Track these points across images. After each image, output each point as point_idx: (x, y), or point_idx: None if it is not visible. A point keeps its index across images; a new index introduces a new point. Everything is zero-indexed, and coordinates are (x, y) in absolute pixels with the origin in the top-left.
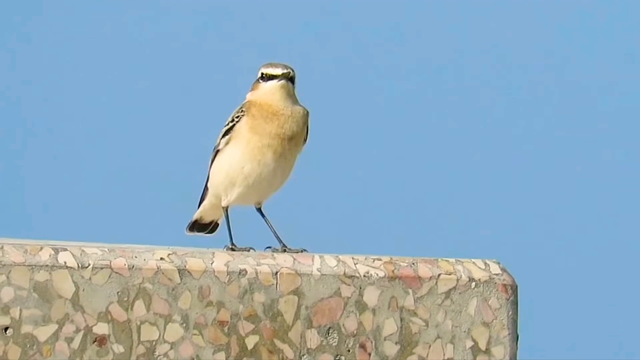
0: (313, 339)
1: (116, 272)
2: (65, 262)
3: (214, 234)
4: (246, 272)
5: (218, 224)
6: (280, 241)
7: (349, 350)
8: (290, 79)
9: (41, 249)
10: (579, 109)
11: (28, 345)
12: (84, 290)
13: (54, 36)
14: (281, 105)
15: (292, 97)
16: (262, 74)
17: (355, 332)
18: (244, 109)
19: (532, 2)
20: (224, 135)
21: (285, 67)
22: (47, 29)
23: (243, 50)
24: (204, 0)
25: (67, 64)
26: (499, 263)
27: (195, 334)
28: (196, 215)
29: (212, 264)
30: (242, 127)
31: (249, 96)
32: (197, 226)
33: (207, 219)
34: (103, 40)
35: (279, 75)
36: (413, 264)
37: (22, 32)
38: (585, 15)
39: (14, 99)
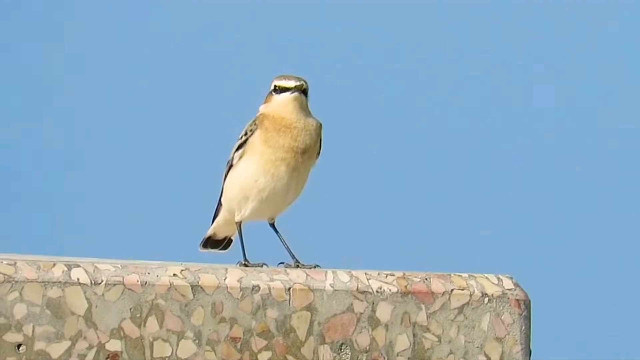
0: (326, 354)
1: (129, 289)
2: (78, 279)
3: (227, 250)
4: (259, 288)
5: (232, 240)
6: (293, 257)
7: None
8: (303, 91)
9: (54, 265)
10: (597, 123)
11: None
12: (96, 306)
13: (68, 44)
14: (294, 118)
15: (305, 109)
16: (275, 86)
17: (367, 347)
18: (256, 122)
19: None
20: (237, 149)
21: (298, 79)
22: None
23: (259, 65)
24: (217, 10)
25: (80, 79)
26: (511, 278)
27: (208, 350)
28: (210, 232)
29: (225, 280)
30: (256, 140)
31: (262, 109)
32: (211, 243)
33: (221, 235)
34: (118, 50)
35: (291, 88)
36: (426, 279)
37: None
38: (588, 19)
39: (26, 112)
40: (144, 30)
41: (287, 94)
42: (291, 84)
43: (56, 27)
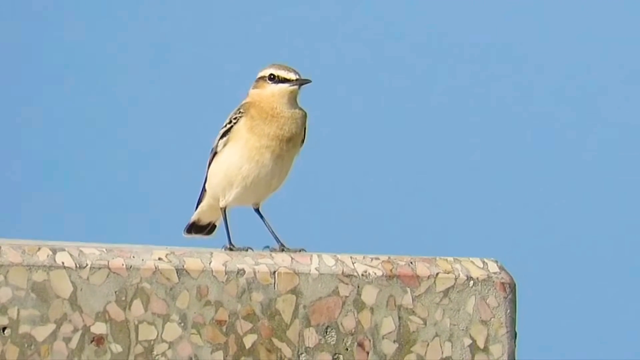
0: (311, 337)
1: (114, 272)
2: (63, 262)
3: (212, 235)
4: (244, 271)
5: (216, 226)
6: (278, 241)
7: (347, 349)
8: (293, 81)
9: (39, 249)
10: (575, 107)
11: (26, 345)
12: (81, 290)
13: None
14: (284, 108)
15: (295, 100)
16: (272, 74)
17: (353, 330)
18: (242, 110)
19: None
20: (222, 137)
21: (297, 72)
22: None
23: (238, 52)
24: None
25: (57, 63)
26: (497, 261)
27: (193, 334)
28: (194, 217)
29: (210, 263)
30: (241, 127)
31: (252, 94)
32: (195, 228)
33: (205, 220)
34: (97, 44)
35: (292, 80)
36: (411, 262)
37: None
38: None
39: (9, 99)
40: (119, 15)
41: (286, 85)
42: (292, 76)
43: (51, 24)
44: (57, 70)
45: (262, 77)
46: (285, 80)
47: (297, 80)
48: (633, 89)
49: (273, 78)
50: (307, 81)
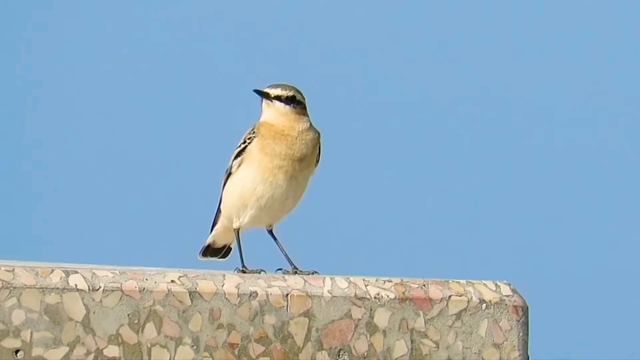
0: None
1: (127, 295)
2: (76, 285)
3: (226, 258)
4: (257, 294)
5: (231, 249)
6: (291, 263)
7: None
8: (286, 100)
9: (52, 271)
10: (593, 130)
11: None
12: (94, 312)
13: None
14: (286, 125)
15: (295, 117)
16: (267, 94)
17: (365, 353)
18: (255, 130)
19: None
20: (235, 157)
21: (285, 87)
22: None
23: (264, 73)
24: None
25: (74, 81)
26: (509, 284)
27: (205, 357)
28: (209, 240)
29: (222, 286)
30: (254, 148)
31: (262, 116)
32: (210, 251)
33: (220, 243)
34: (116, 54)
35: (270, 96)
36: (424, 285)
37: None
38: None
39: (25, 120)
40: (145, 35)
41: (263, 101)
42: (274, 92)
43: (49, 25)
44: (69, 91)
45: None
46: (277, 98)
47: (273, 96)
48: None
49: (265, 96)
50: (265, 94)
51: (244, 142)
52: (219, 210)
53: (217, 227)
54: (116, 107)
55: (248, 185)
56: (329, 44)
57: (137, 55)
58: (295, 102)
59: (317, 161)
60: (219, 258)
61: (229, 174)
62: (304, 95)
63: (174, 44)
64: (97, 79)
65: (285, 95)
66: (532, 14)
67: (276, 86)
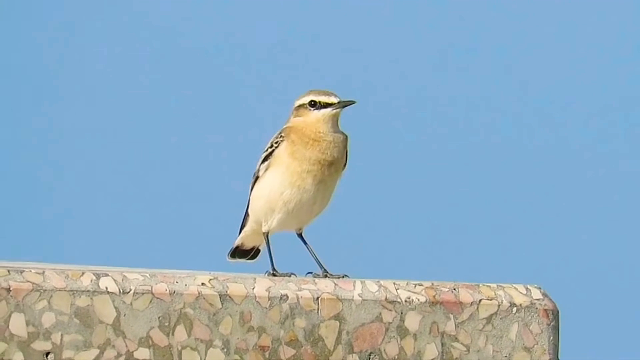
0: None
1: (157, 298)
2: (106, 288)
3: (255, 260)
4: (287, 297)
5: (259, 250)
6: (321, 266)
7: None
8: (335, 105)
9: (82, 274)
10: (622, 137)
11: None
12: (125, 315)
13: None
14: (327, 132)
15: (337, 123)
16: (313, 101)
17: (396, 357)
18: (283, 135)
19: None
20: (263, 161)
21: (337, 95)
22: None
23: (289, 79)
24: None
25: (106, 88)
26: (540, 288)
27: (236, 359)
28: (237, 242)
29: (253, 289)
30: (282, 152)
31: (294, 121)
32: (239, 252)
33: (249, 245)
34: (160, 63)
35: (334, 104)
36: (454, 289)
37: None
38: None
39: (54, 127)
40: (181, 45)
41: (329, 110)
42: (334, 99)
43: (54, 26)
44: (91, 93)
45: (302, 105)
46: (327, 105)
47: (339, 102)
48: None
49: (314, 104)
50: (350, 102)
51: (271, 146)
52: (247, 213)
53: (245, 229)
54: (147, 110)
55: (276, 189)
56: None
57: (167, 56)
58: (342, 107)
59: (345, 165)
60: (248, 259)
61: (257, 178)
62: None
63: (199, 47)
64: (123, 83)
65: (337, 102)
66: (534, 14)
67: (329, 93)
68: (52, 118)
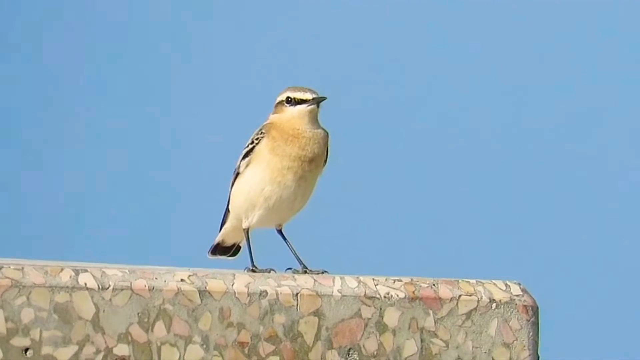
0: None
1: (137, 294)
2: (85, 284)
3: (236, 257)
4: (267, 293)
5: (240, 247)
6: (301, 262)
7: None
8: (313, 102)
9: (62, 270)
10: (600, 131)
11: None
12: (104, 311)
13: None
14: (305, 128)
15: (315, 120)
16: (289, 97)
17: (375, 353)
18: (263, 131)
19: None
20: (243, 157)
21: (313, 91)
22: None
23: (264, 71)
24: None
25: (78, 76)
26: (519, 284)
27: (215, 355)
28: (218, 239)
29: (232, 285)
30: (262, 149)
31: (272, 118)
32: (220, 249)
33: (229, 241)
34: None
35: (309, 100)
36: (434, 285)
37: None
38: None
39: (35, 117)
40: (143, 28)
41: (303, 106)
42: (308, 96)
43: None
44: (74, 80)
45: (280, 102)
46: (302, 102)
47: (313, 99)
48: None
49: (290, 101)
50: (323, 99)
51: (252, 142)
52: (227, 210)
53: (226, 226)
54: (125, 104)
55: (256, 185)
56: (333, 42)
57: (140, 48)
58: (316, 103)
59: (325, 161)
60: (229, 256)
61: (237, 174)
62: None
63: (180, 40)
64: (101, 74)
65: (315, 98)
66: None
67: (305, 89)
68: (28, 113)
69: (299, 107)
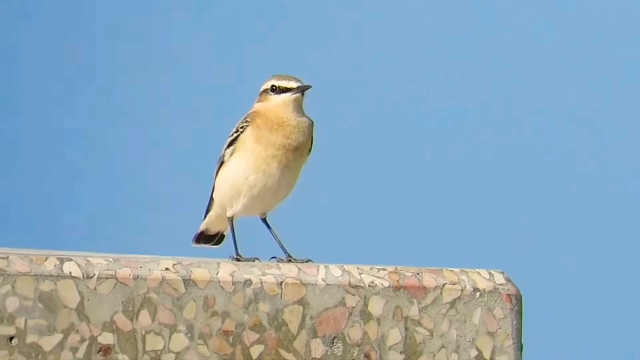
0: (318, 348)
1: (121, 282)
2: (70, 272)
3: (220, 245)
4: (251, 282)
5: (224, 235)
6: (285, 251)
7: None
8: (297, 90)
9: (46, 259)
10: (584, 116)
11: (33, 355)
12: (89, 300)
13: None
14: (290, 117)
15: (301, 108)
16: (274, 86)
17: (360, 341)
18: (248, 119)
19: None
20: (228, 146)
21: (298, 79)
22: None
23: (247, 60)
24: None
25: (60, 65)
26: (503, 273)
27: (200, 344)
28: (202, 227)
29: (217, 274)
30: (247, 137)
31: (257, 107)
32: (204, 238)
33: (213, 230)
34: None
35: (293, 88)
36: (418, 273)
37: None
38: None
39: (19, 107)
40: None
41: (288, 95)
42: (293, 84)
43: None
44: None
45: (265, 90)
46: (287, 90)
47: (298, 88)
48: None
49: (275, 89)
50: (307, 87)
51: (237, 131)
52: (211, 198)
53: (210, 214)
54: (110, 92)
55: (241, 174)
56: (318, 31)
57: (121, 33)
58: (301, 91)
59: (310, 150)
60: (213, 245)
61: (222, 162)
62: None
63: (158, 33)
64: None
65: (299, 87)
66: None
67: (289, 78)
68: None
69: (283, 95)
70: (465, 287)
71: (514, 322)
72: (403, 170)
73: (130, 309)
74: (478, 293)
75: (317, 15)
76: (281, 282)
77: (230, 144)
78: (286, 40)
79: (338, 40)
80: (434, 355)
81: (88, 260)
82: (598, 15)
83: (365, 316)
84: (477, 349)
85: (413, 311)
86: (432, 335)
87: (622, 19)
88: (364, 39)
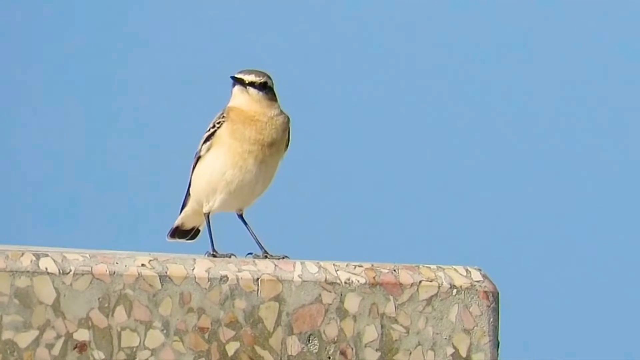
0: (294, 345)
1: (97, 278)
2: (46, 268)
3: (195, 240)
4: (227, 278)
5: (199, 231)
6: (261, 247)
7: (329, 357)
8: (258, 86)
9: (22, 254)
10: (565, 113)
11: (9, 352)
12: (64, 296)
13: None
14: (258, 111)
15: (267, 103)
16: (233, 78)
17: (336, 338)
18: (224, 115)
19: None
20: (205, 141)
21: (258, 74)
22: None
23: (227, 54)
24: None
25: (50, 65)
26: (480, 270)
27: (175, 341)
28: (178, 222)
29: (193, 270)
30: (223, 132)
31: (233, 101)
32: (179, 233)
33: (189, 225)
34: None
35: (245, 82)
36: (394, 270)
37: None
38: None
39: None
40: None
41: (236, 87)
42: (241, 76)
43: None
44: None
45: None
46: (240, 82)
47: (248, 82)
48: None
49: (234, 82)
50: (239, 80)
51: (214, 126)
52: (187, 193)
53: (186, 209)
54: (85, 87)
55: (217, 169)
56: (302, 27)
57: (99, 24)
58: (267, 88)
59: (287, 146)
60: (188, 240)
61: (198, 158)
62: (273, 80)
63: (142, 24)
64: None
65: (259, 81)
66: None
67: (249, 72)
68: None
69: (235, 87)
70: (442, 284)
71: (491, 320)
72: (380, 168)
73: (106, 305)
74: (455, 290)
75: (311, 10)
76: (257, 279)
77: (207, 139)
78: (277, 34)
79: (327, 33)
80: (410, 353)
81: (64, 256)
82: (606, 16)
83: (342, 313)
84: (454, 347)
85: (389, 308)
86: (408, 332)
87: (623, 19)
88: (358, 32)
